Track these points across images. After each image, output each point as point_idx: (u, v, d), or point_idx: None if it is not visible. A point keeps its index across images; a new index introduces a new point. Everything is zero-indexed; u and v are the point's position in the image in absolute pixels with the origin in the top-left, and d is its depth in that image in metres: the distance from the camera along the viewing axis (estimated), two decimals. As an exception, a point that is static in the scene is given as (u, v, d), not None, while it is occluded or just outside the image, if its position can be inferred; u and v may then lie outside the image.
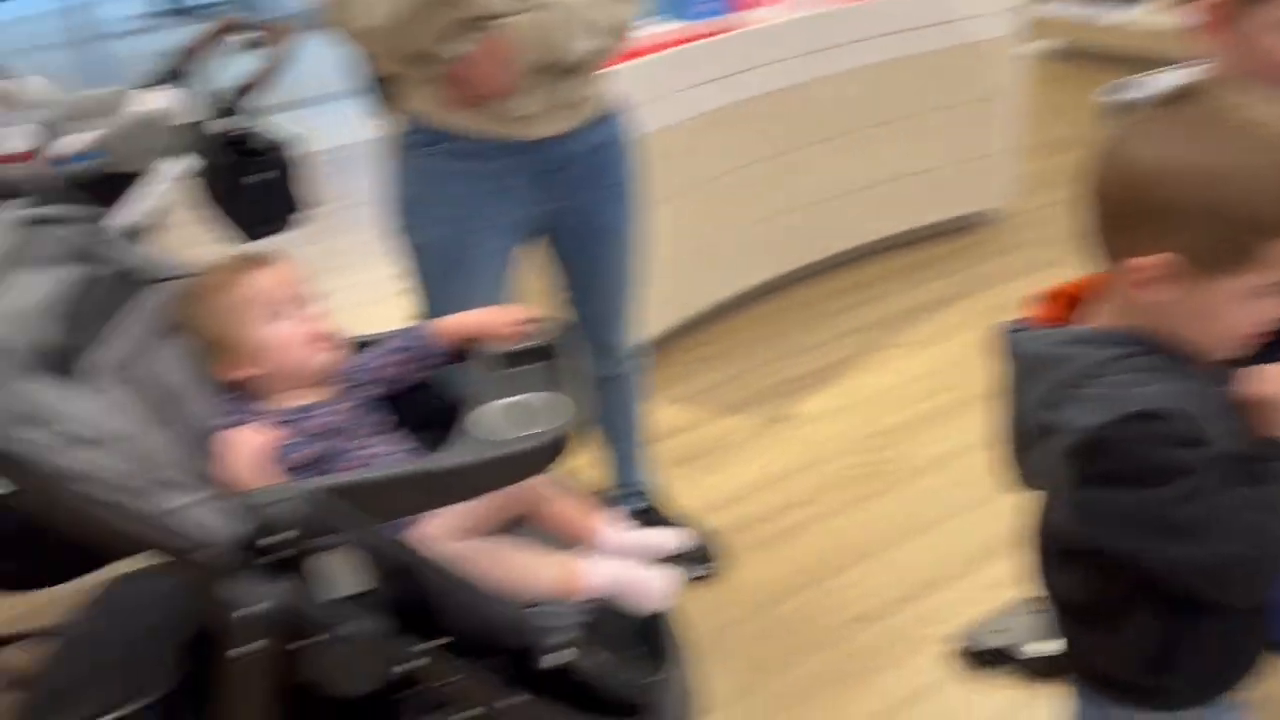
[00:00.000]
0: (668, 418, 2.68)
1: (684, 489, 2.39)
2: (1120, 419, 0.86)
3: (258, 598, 1.08)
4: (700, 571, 2.09)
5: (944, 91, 3.30)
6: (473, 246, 1.75)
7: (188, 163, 2.01)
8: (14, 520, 1.80)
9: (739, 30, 2.95)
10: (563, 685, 1.23)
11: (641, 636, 1.44)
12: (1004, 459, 1.05)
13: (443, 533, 1.32)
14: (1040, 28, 4.74)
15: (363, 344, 1.47)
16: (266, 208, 2.08)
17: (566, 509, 1.43)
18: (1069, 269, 3.21)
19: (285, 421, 1.33)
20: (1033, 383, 0.94)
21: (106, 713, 1.23)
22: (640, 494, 2.14)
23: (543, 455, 1.13)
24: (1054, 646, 1.78)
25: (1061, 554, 1.04)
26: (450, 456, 1.11)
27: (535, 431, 1.14)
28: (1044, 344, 0.95)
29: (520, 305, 1.47)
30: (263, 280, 1.35)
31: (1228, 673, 1.03)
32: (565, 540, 1.42)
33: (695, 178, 2.87)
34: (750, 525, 2.27)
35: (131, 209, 1.96)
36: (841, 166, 3.22)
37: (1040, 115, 3.85)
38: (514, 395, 1.24)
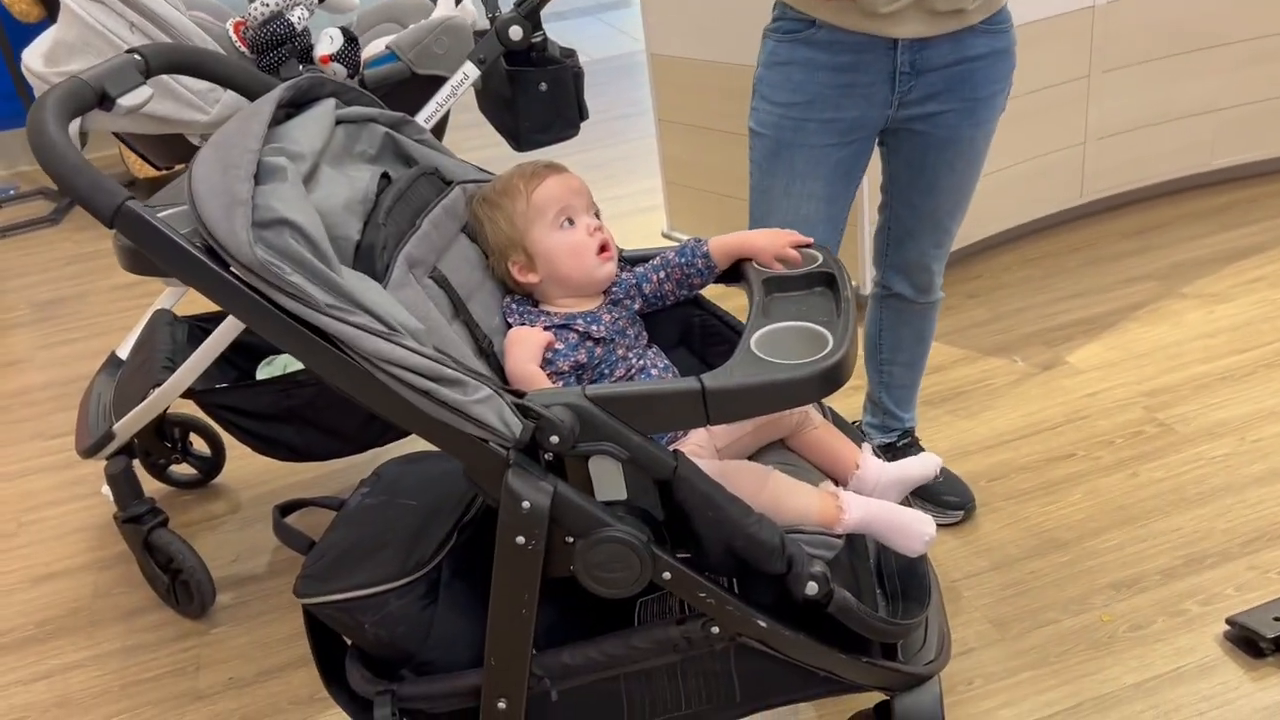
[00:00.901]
0: (924, 354, 2.59)
1: (938, 431, 2.31)
2: None
3: (541, 491, 1.13)
4: (949, 518, 2.02)
5: (1263, 20, 2.93)
6: (800, 138, 1.69)
7: (478, 68, 2.07)
8: (301, 398, 2.00)
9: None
10: (817, 616, 1.23)
11: (896, 577, 1.41)
12: None
13: (702, 449, 1.34)
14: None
15: (631, 259, 1.49)
16: (554, 116, 2.12)
17: (828, 436, 1.42)
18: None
19: (560, 326, 1.37)
20: None
21: (387, 581, 1.33)
22: (907, 430, 2.09)
23: (821, 382, 1.11)
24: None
25: None
26: (730, 375, 1.11)
27: (815, 358, 1.12)
28: None
29: (828, 223, 1.42)
30: (557, 187, 1.38)
31: None
32: (823, 467, 1.41)
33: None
34: (1005, 476, 2.17)
35: (428, 113, 2.06)
36: (1147, 95, 2.94)
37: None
38: (793, 320, 1.21)
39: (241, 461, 2.43)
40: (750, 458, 1.39)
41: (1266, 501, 2.01)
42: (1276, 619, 1.70)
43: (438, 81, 2.09)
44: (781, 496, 1.25)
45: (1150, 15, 2.84)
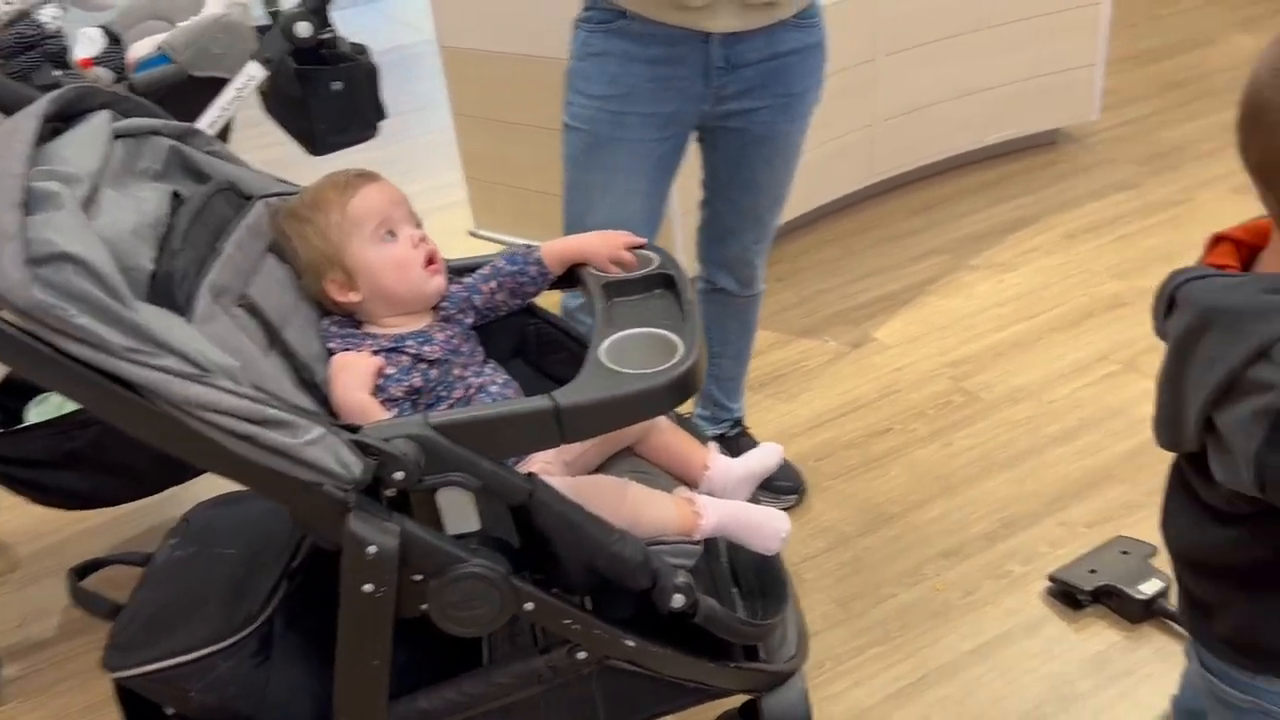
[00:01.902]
0: (740, 340, 2.62)
1: (762, 416, 2.34)
2: None
3: (387, 532, 1.04)
4: (784, 503, 2.05)
5: (1029, 1, 3.13)
6: (619, 132, 1.64)
7: (264, 69, 1.91)
8: (84, 438, 1.79)
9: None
10: (682, 627, 1.20)
11: (752, 574, 1.40)
12: (1164, 417, 0.97)
13: (551, 466, 1.28)
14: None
15: (458, 269, 1.41)
16: (351, 116, 1.99)
17: (675, 439, 1.39)
18: (1151, 189, 3.10)
19: (389, 349, 1.28)
20: (1232, 336, 0.85)
21: (212, 642, 1.20)
22: (737, 420, 2.10)
23: (676, 390, 1.07)
24: (1151, 589, 1.75)
25: (1221, 514, 0.96)
26: (583, 390, 1.05)
27: (667, 365, 1.08)
28: (1245, 294, 0.86)
29: (623, 233, 1.39)
30: (375, 197, 1.28)
31: None
32: (674, 471, 1.38)
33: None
34: (830, 455, 2.22)
35: (209, 119, 1.88)
36: (921, 79, 3.08)
37: (1125, 24, 3.68)
38: (638, 326, 1.17)
39: (16, 511, 2.17)
40: (599, 468, 1.35)
41: (1065, 460, 2.14)
42: (1091, 571, 1.81)
43: (216, 84, 1.91)
44: (640, 509, 1.21)
45: (922, 0, 2.97)
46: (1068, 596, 1.80)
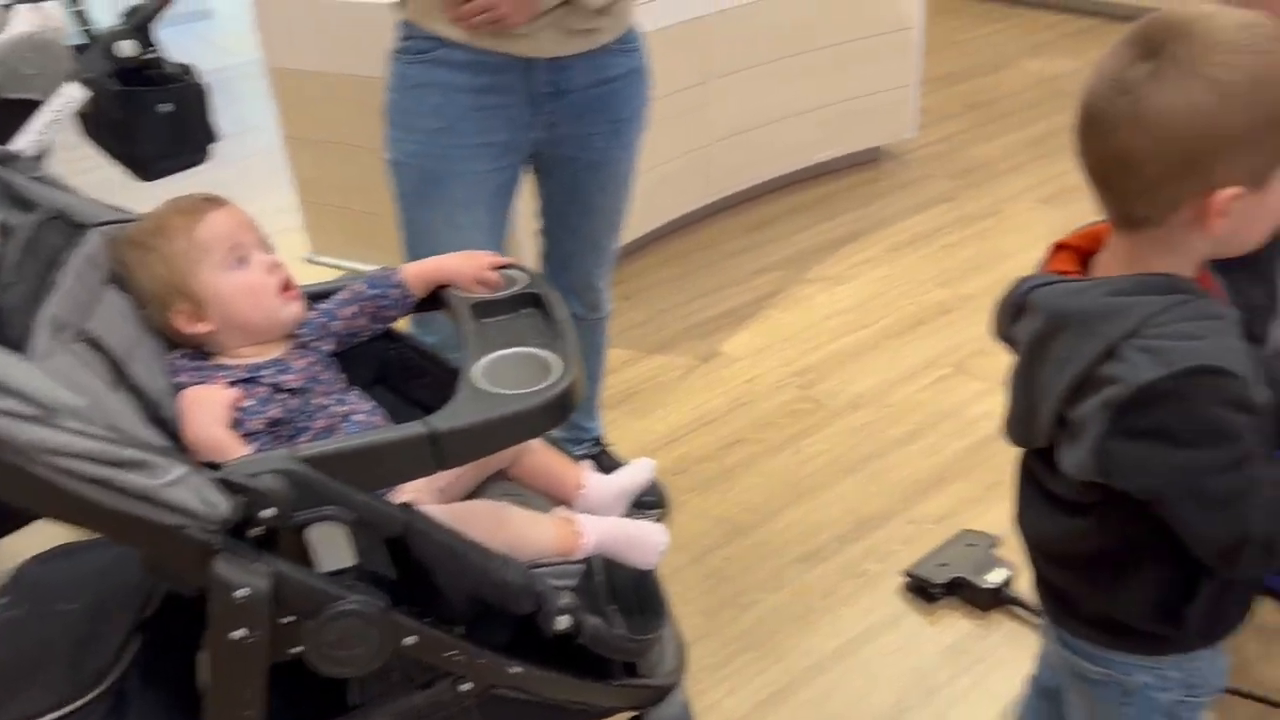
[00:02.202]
0: (591, 359, 2.63)
1: (619, 433, 2.35)
2: (1185, 371, 0.85)
3: (257, 574, 0.99)
4: (649, 518, 2.05)
5: (852, 25, 3.29)
6: (454, 166, 1.62)
7: (85, 90, 1.79)
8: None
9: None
10: (565, 648, 1.18)
11: (629, 590, 1.40)
12: (1017, 415, 1.03)
13: (423, 494, 1.25)
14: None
15: (314, 294, 1.36)
16: (181, 140, 1.88)
17: (549, 460, 1.37)
18: (965, 202, 3.29)
19: (244, 380, 1.21)
20: (1082, 337, 0.90)
21: (57, 707, 1.11)
22: (597, 439, 2.10)
23: (556, 409, 1.06)
24: (997, 578, 1.85)
25: (1070, 505, 1.02)
26: (459, 414, 1.03)
27: (545, 385, 1.07)
28: (1091, 298, 0.92)
29: (493, 251, 1.37)
30: (223, 223, 1.21)
31: (1233, 615, 1.05)
32: (549, 492, 1.37)
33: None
34: (689, 468, 2.25)
35: (23, 144, 1.74)
36: (750, 101, 3.18)
37: (929, 49, 3.89)
38: (511, 346, 1.16)
39: None
40: (472, 494, 1.32)
41: (909, 460, 2.24)
42: (941, 565, 1.89)
43: (28, 106, 1.78)
44: (520, 532, 1.19)
45: (752, 23, 3.08)
46: (922, 591, 1.88)
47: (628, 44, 1.67)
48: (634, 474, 1.39)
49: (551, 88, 1.61)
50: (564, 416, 1.09)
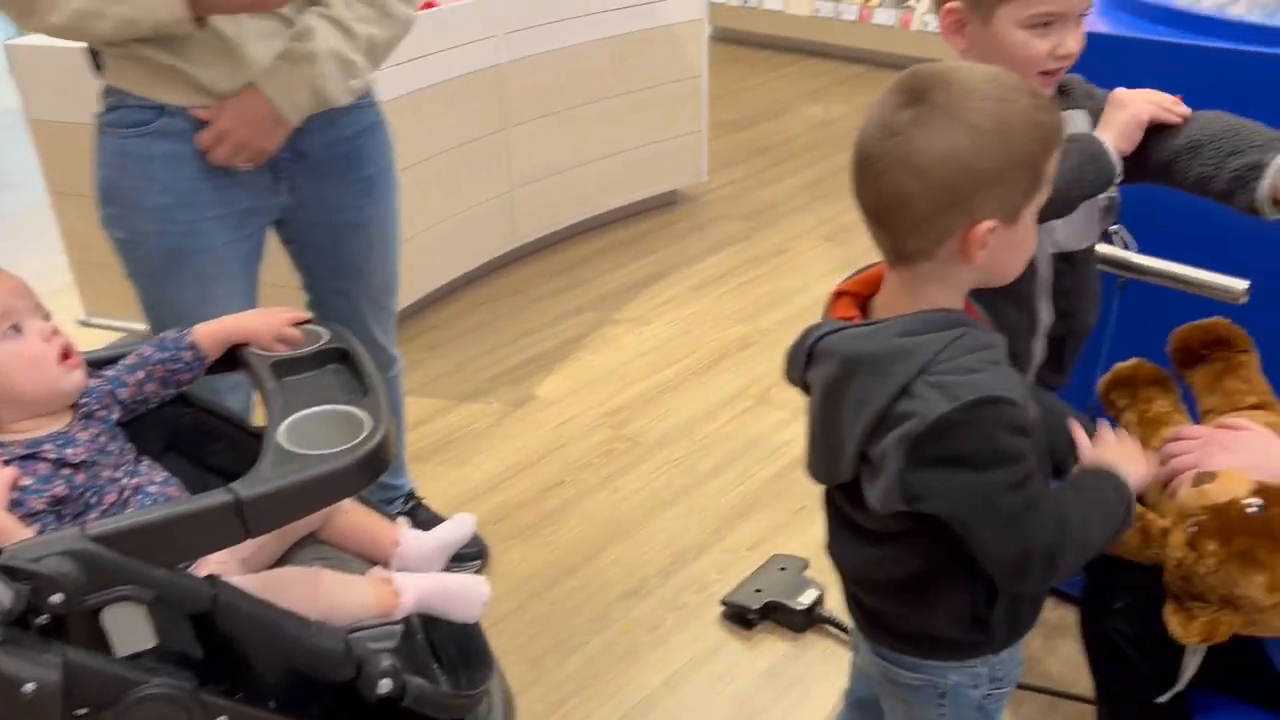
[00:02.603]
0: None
1: (435, 484, 2.31)
2: (970, 403, 0.92)
3: (46, 665, 0.92)
4: (469, 569, 2.03)
5: (643, 73, 3.40)
6: (198, 241, 1.54)
7: None
8: None
9: (433, 9, 2.88)
10: (390, 712, 1.15)
11: (451, 645, 1.38)
12: (819, 455, 1.07)
13: (227, 565, 1.19)
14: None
15: (97, 361, 1.28)
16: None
17: (362, 519, 1.34)
18: (757, 242, 3.45)
19: (23, 457, 1.13)
20: (878, 379, 0.96)
21: None
22: (409, 494, 2.05)
23: (368, 468, 1.04)
24: (809, 599, 1.92)
25: (876, 536, 1.08)
26: (265, 478, 0.99)
27: (355, 443, 1.05)
28: (880, 341, 0.98)
29: (288, 306, 1.34)
30: (-7, 290, 1.13)
31: (1029, 615, 1.14)
32: (363, 552, 1.33)
33: (402, 162, 2.76)
34: (507, 514, 2.24)
35: None
36: (551, 147, 3.23)
37: (714, 96, 4.06)
38: (318, 404, 1.13)
39: None
40: (281, 559, 1.27)
41: (721, 490, 2.31)
42: (757, 590, 1.95)
43: None
44: (335, 596, 1.15)
45: (545, 73, 3.13)
46: (740, 617, 1.94)
47: (364, 101, 1.65)
48: (452, 529, 1.37)
49: (289, 151, 1.56)
50: (377, 474, 1.07)
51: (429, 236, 2.93)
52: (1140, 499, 1.21)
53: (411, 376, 2.74)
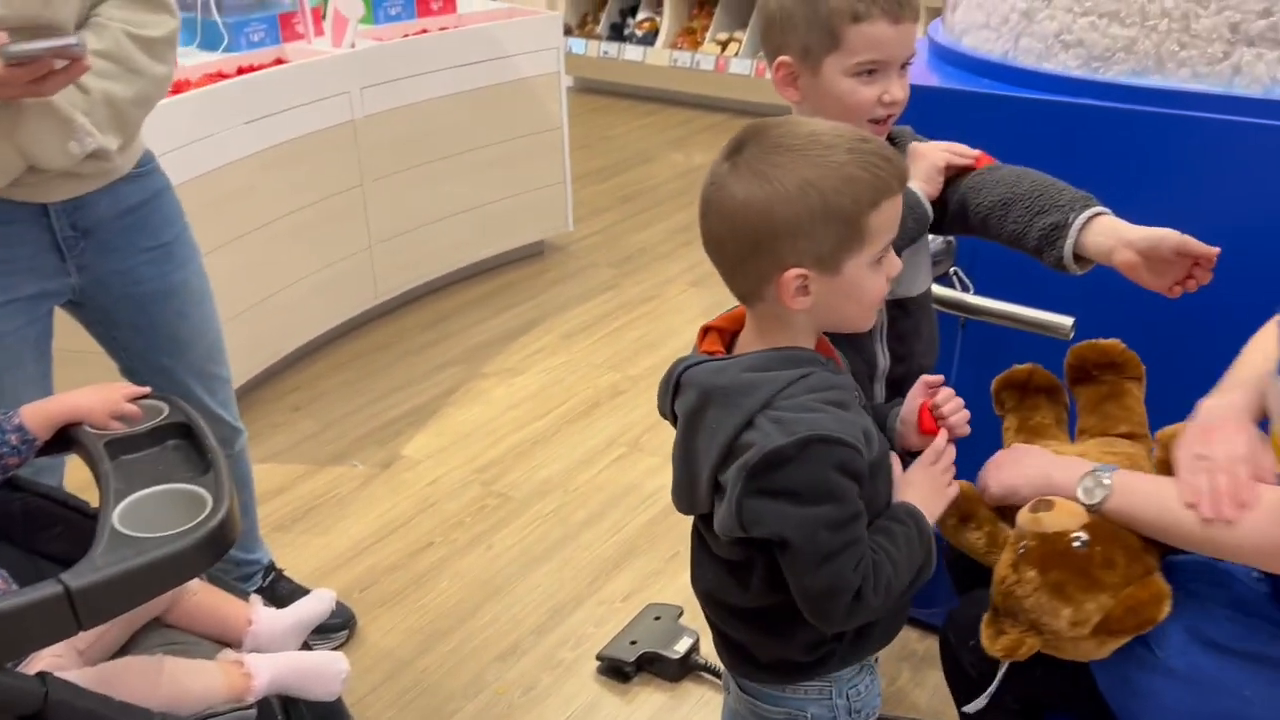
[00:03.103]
0: (261, 479, 2.48)
1: (298, 554, 2.24)
2: (803, 440, 0.97)
3: None
4: (334, 641, 1.96)
5: (503, 126, 3.41)
6: None
7: None
8: None
9: (286, 65, 2.84)
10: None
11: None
12: (680, 484, 1.11)
13: (62, 659, 1.12)
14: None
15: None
16: None
17: (211, 600, 1.28)
18: (627, 288, 3.48)
19: None
20: (727, 410, 1.01)
21: None
22: (268, 567, 1.97)
23: (209, 548, 1.00)
24: (684, 647, 1.93)
25: (729, 563, 1.11)
26: (98, 566, 0.94)
27: (195, 523, 1.01)
28: (730, 375, 1.03)
29: (121, 383, 1.28)
30: None
31: (881, 636, 1.17)
32: (213, 635, 1.27)
33: (253, 221, 2.72)
34: (375, 581, 2.18)
35: None
36: (411, 201, 3.21)
37: (577, 146, 4.12)
38: (156, 484, 1.08)
39: None
40: (123, 648, 1.20)
41: (596, 541, 2.30)
42: (632, 643, 1.94)
43: None
44: (181, 684, 1.10)
45: (402, 128, 3.11)
46: (616, 671, 1.92)
47: (144, 167, 1.58)
48: (312, 606, 1.33)
49: (73, 228, 1.49)
50: (219, 554, 1.03)
51: (288, 295, 2.86)
52: (1002, 511, 1.26)
53: (275, 440, 2.66)
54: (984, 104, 1.62)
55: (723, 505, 1.03)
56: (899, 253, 1.07)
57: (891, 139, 1.35)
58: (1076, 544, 1.14)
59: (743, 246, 1.00)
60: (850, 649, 1.14)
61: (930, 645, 1.96)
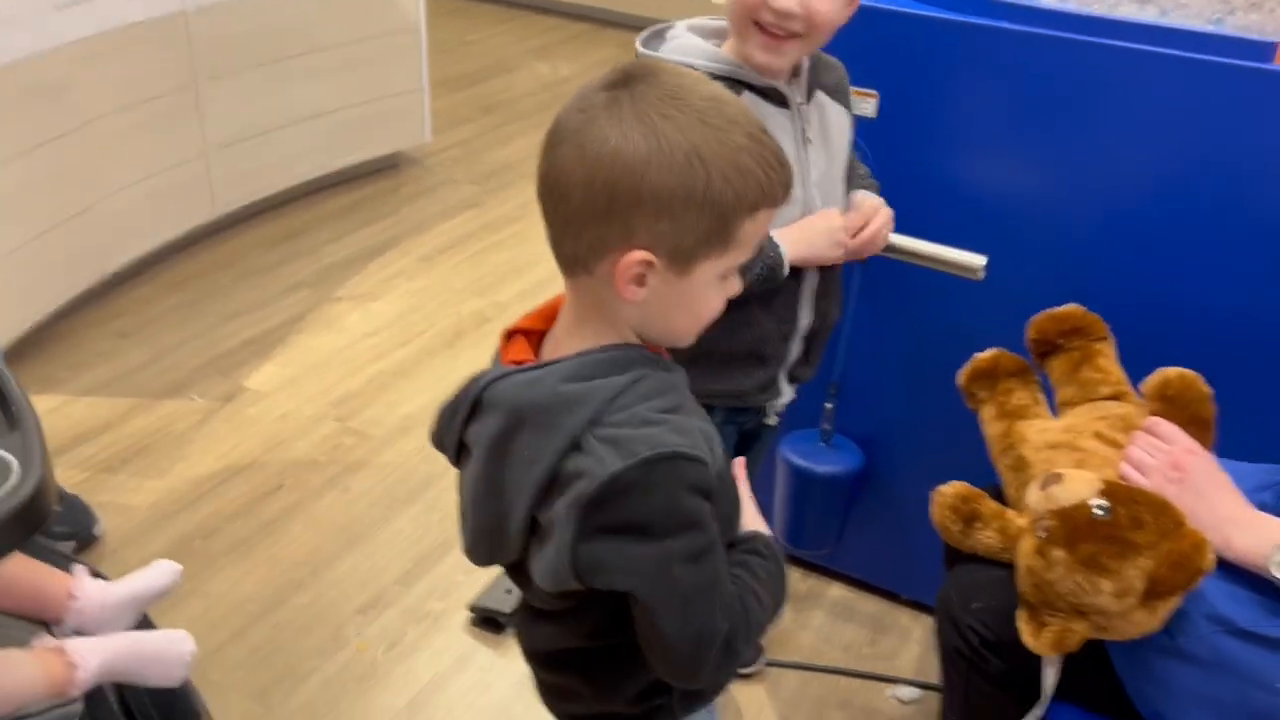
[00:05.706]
0: (84, 414, 2.24)
1: (129, 499, 2.01)
2: (645, 461, 0.79)
3: None
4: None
5: (354, 25, 3.13)
6: None
7: None
8: None
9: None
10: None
11: (151, 707, 1.16)
12: (482, 531, 0.89)
13: None
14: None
15: None
16: None
17: (24, 573, 1.09)
18: (491, 207, 3.30)
19: None
20: (545, 432, 0.82)
21: None
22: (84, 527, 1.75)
23: (20, 523, 0.82)
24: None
25: (549, 614, 0.94)
26: None
27: (2, 493, 0.82)
28: (547, 388, 0.82)
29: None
30: None
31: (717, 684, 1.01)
32: (29, 613, 1.09)
33: (69, 122, 2.40)
34: (218, 528, 1.98)
35: None
36: (252, 105, 2.91)
37: (435, 51, 3.85)
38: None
39: None
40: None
41: (463, 481, 2.16)
42: (507, 591, 1.83)
43: None
44: (-13, 685, 0.92)
45: (244, 22, 2.80)
46: (490, 622, 1.81)
47: None
48: (148, 579, 1.15)
49: None
50: (31, 530, 0.85)
51: (111, 205, 2.55)
52: (1000, 497, 1.18)
53: (99, 370, 2.39)
54: (917, 26, 1.51)
55: (546, 550, 0.83)
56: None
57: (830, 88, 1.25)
58: (1099, 512, 1.07)
59: (594, 202, 0.79)
60: (683, 700, 0.97)
61: (814, 585, 1.92)
